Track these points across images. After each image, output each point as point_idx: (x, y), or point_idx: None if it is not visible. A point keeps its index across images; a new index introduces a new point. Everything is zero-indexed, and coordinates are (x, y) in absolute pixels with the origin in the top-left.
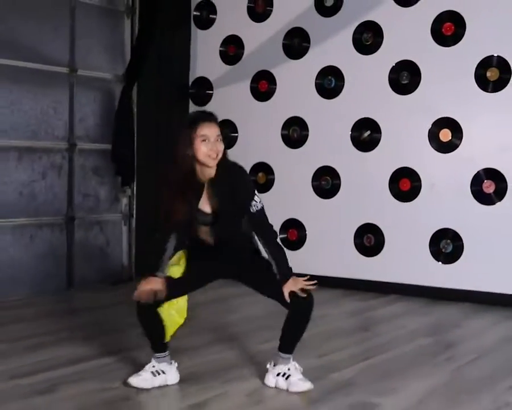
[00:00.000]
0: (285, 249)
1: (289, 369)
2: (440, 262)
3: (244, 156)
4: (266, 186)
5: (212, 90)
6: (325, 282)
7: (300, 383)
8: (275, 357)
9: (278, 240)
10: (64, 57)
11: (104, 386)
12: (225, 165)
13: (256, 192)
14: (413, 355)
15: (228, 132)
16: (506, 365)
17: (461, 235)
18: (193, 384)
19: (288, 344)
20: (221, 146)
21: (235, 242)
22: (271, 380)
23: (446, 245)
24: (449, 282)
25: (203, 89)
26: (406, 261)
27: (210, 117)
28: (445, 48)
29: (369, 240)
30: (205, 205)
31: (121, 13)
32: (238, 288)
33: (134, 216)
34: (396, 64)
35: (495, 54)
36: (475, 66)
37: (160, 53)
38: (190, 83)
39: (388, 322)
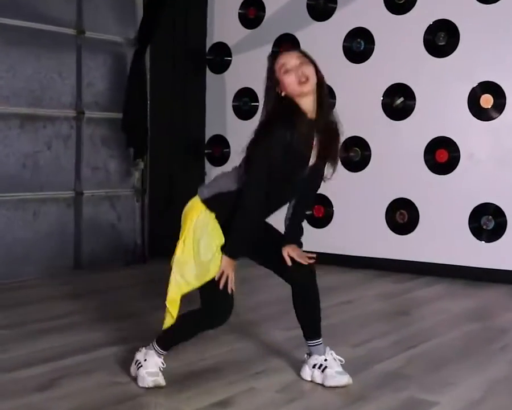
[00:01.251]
0: (310, 226)
1: (325, 360)
2: (482, 241)
3: None
4: None
5: (231, 56)
6: (354, 263)
7: (337, 377)
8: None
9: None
10: (70, 18)
11: (113, 380)
12: (326, 111)
13: None
14: (463, 343)
15: (249, 101)
16: None
17: (504, 210)
18: (216, 379)
19: (308, 327)
20: (308, 67)
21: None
22: (307, 372)
23: (487, 222)
24: (491, 261)
25: (221, 55)
26: (443, 239)
27: (287, 48)
28: (486, 5)
29: (402, 216)
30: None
31: None
32: (256, 268)
33: (147, 191)
34: (432, 23)
35: None
36: None
37: (174, 16)
38: (207, 49)
39: (428, 305)
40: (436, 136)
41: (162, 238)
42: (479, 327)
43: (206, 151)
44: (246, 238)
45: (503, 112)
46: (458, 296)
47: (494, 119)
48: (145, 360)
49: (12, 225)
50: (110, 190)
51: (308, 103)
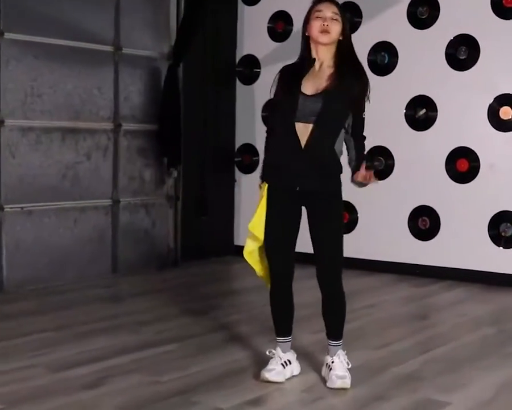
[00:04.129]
0: None
1: (333, 362)
2: (500, 247)
3: None
4: None
5: (260, 68)
6: (377, 267)
7: (335, 380)
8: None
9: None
10: (108, 35)
11: (154, 380)
12: (346, 53)
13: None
14: (478, 346)
15: None
16: None
17: None
18: (246, 379)
19: (330, 327)
20: (336, 25)
21: (324, 158)
22: (323, 371)
23: (506, 229)
24: (510, 267)
25: (251, 67)
26: (463, 246)
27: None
28: (506, 21)
29: (424, 222)
30: (308, 87)
31: None
32: None
33: (180, 198)
34: (453, 38)
35: None
36: None
37: (206, 30)
38: (237, 61)
39: (447, 309)
40: (457, 146)
41: (194, 243)
42: (495, 331)
43: (236, 159)
44: None
45: None
46: (476, 301)
47: None
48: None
49: (54, 232)
50: (145, 198)
51: (323, 52)
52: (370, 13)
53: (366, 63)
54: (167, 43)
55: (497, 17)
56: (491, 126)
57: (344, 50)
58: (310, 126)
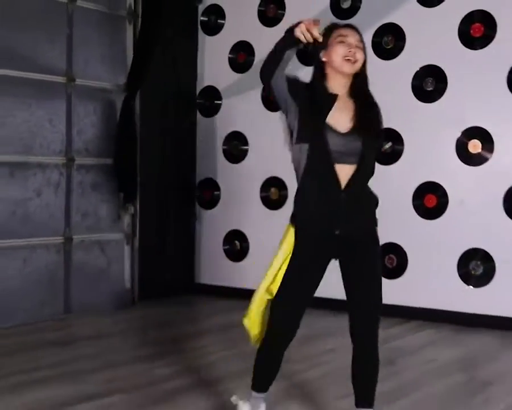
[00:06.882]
0: None
1: None
2: (470, 286)
3: (255, 170)
4: (279, 202)
5: (221, 100)
6: (339, 306)
7: None
8: None
9: None
10: (60, 66)
11: None
12: (363, 86)
13: None
14: (447, 395)
15: (239, 144)
16: None
17: (492, 255)
18: None
19: (360, 393)
20: (360, 54)
21: (363, 199)
22: None
23: (476, 267)
24: (481, 307)
25: (212, 98)
26: (432, 284)
27: (351, 25)
28: (474, 51)
29: (391, 260)
30: (338, 122)
31: (122, 19)
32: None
33: (137, 235)
34: (420, 69)
35: None
36: (508, 70)
37: (164, 61)
38: (197, 92)
39: (415, 353)
40: (425, 181)
41: (152, 282)
42: (465, 378)
43: (196, 195)
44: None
45: (491, 157)
46: (446, 344)
47: (482, 164)
48: None
49: (2, 272)
50: (100, 235)
51: (337, 82)
52: None
53: None
54: (123, 75)
55: (465, 47)
56: (459, 160)
57: (362, 83)
58: (352, 166)
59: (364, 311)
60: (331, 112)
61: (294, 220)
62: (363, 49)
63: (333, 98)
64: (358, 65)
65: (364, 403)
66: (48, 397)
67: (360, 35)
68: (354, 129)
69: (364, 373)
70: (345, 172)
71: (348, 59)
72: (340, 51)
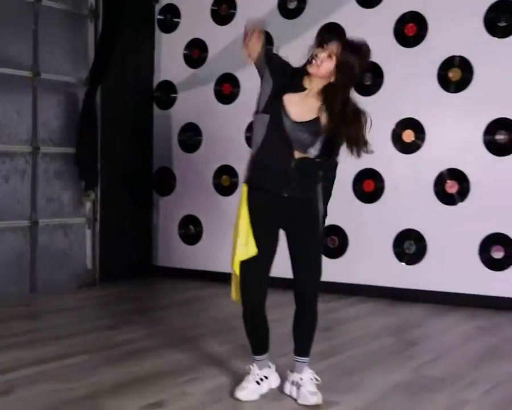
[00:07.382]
0: None
1: (301, 379)
2: (404, 263)
3: (208, 159)
4: (230, 189)
5: (176, 93)
6: (286, 284)
7: (308, 396)
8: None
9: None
10: (27, 61)
11: (65, 387)
12: (332, 91)
13: None
14: (375, 354)
15: (192, 135)
16: (465, 363)
17: (424, 236)
18: (151, 385)
19: (300, 343)
20: (326, 63)
21: (311, 172)
22: (286, 387)
23: (409, 246)
24: (413, 282)
25: (168, 92)
26: (370, 263)
27: (336, 38)
28: (408, 49)
29: (333, 241)
30: (296, 111)
31: (84, 17)
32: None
33: (98, 219)
34: None
35: (457, 55)
36: (438, 66)
37: (124, 57)
38: (154, 87)
39: (350, 322)
40: (364, 168)
41: (112, 264)
42: (393, 341)
43: (153, 182)
44: None
45: (423, 146)
46: (379, 315)
47: (415, 152)
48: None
49: None
50: (63, 219)
51: (313, 82)
52: (282, 42)
53: None
54: (84, 70)
55: (399, 45)
56: (395, 149)
57: (330, 90)
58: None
59: (306, 273)
60: (293, 100)
61: (248, 180)
62: (341, 64)
63: (300, 88)
64: (322, 71)
65: (301, 352)
66: (20, 357)
67: (341, 47)
68: (304, 122)
69: (303, 325)
70: (297, 150)
71: (315, 62)
72: (314, 53)
